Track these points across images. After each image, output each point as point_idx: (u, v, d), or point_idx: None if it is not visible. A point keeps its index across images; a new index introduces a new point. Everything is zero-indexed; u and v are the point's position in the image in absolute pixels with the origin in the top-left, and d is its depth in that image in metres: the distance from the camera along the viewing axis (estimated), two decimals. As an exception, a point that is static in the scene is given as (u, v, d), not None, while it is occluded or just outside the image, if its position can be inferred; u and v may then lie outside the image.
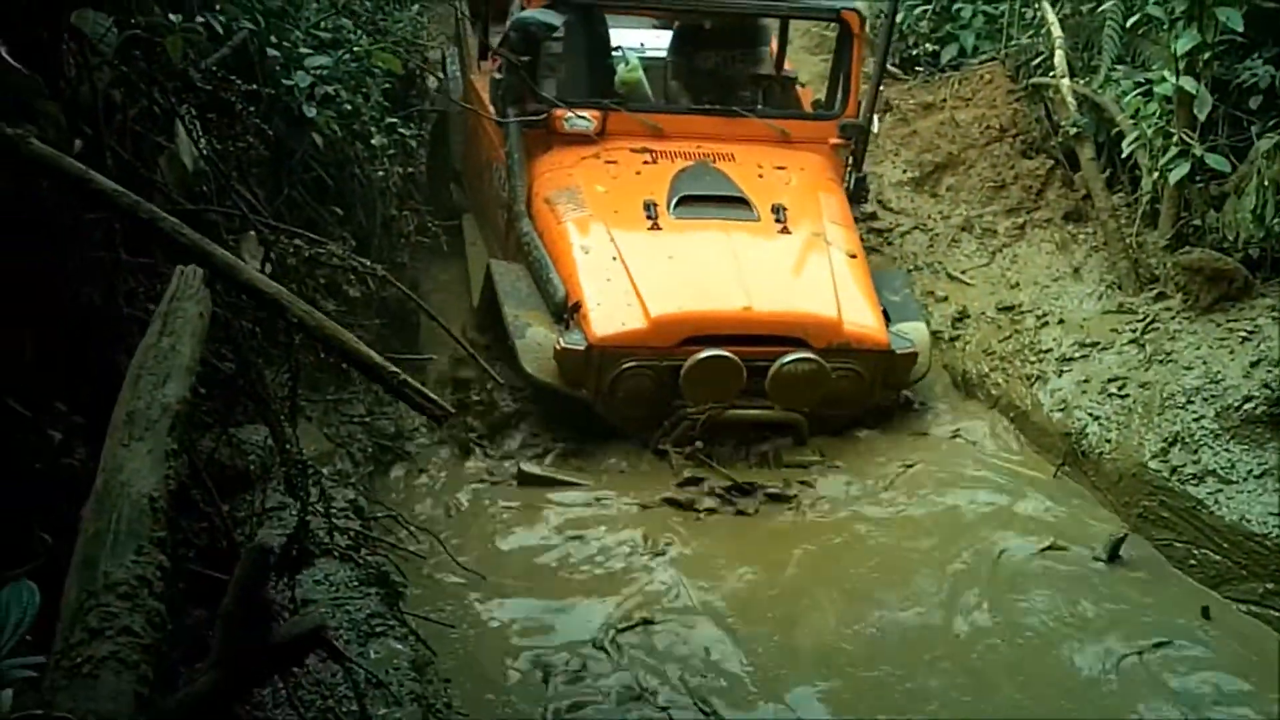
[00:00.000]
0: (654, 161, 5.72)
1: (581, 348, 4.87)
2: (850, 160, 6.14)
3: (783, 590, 4.15)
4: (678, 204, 5.44)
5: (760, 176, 5.75)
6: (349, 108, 5.08)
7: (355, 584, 3.25)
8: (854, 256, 5.49)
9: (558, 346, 4.90)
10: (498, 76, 5.81)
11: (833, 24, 6.41)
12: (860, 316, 5.20)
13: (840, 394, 5.13)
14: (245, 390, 3.26)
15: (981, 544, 4.44)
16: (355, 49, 5.32)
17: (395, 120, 5.51)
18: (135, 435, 2.06)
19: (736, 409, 4.98)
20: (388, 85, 5.84)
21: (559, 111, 5.75)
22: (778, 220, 5.46)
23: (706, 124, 5.98)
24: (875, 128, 6.42)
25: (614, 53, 6.50)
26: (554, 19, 5.60)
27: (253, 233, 3.47)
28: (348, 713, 2.70)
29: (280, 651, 2.08)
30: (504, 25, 5.94)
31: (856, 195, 6.15)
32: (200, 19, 4.02)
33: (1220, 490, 4.43)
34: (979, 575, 4.25)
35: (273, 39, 4.58)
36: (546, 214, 5.48)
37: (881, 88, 6.27)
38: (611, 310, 4.99)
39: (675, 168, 5.68)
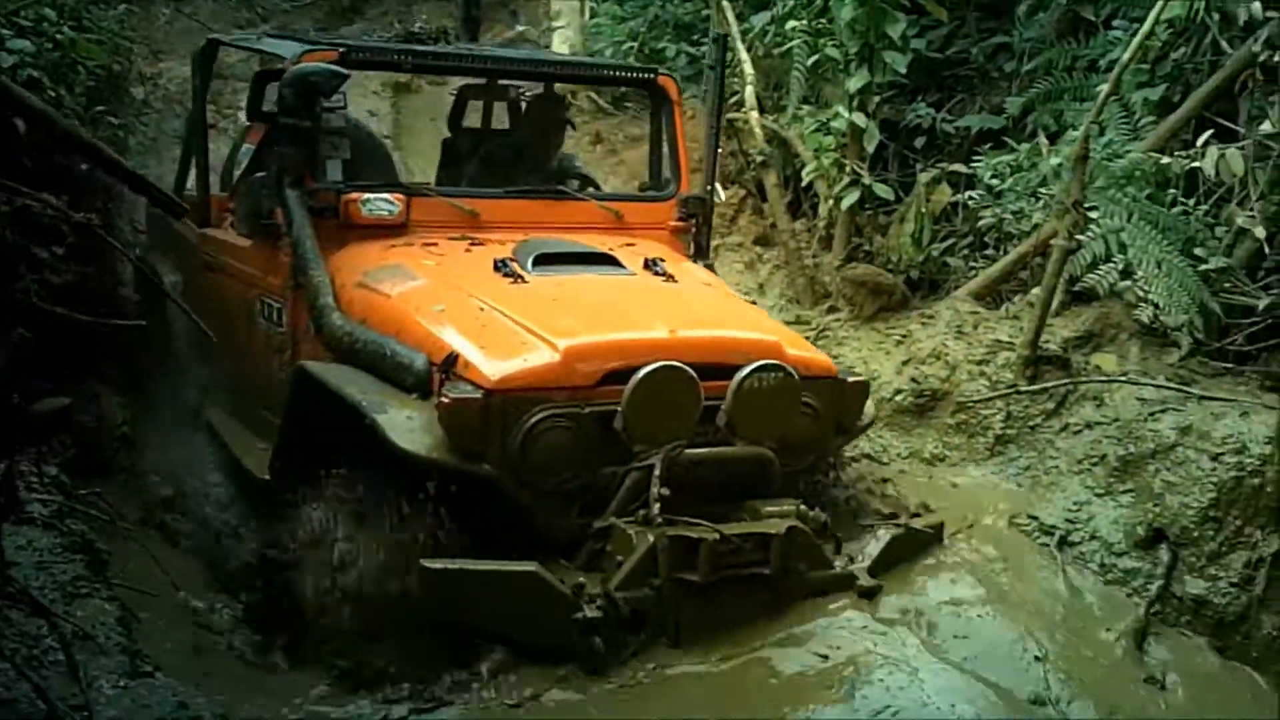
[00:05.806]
0: (481, 244, 4.60)
1: (478, 395, 3.59)
2: (693, 245, 5.07)
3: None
4: (536, 261, 4.34)
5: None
6: (53, 95, 4.96)
7: (60, 550, 3.24)
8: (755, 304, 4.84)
9: (445, 400, 3.58)
10: (259, 176, 4.61)
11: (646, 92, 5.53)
12: (798, 343, 4.32)
13: (798, 436, 4.02)
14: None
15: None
16: (58, 37, 5.20)
17: (103, 108, 5.40)
18: None
19: (695, 449, 3.76)
20: (91, 83, 5.70)
21: (353, 195, 4.51)
22: (657, 274, 4.49)
23: (530, 208, 4.90)
24: (721, 196, 5.63)
25: None
26: (341, 70, 4.39)
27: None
28: (54, 662, 2.71)
29: (32, 422, 2.13)
30: (261, 130, 4.85)
31: None
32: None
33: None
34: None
35: (-34, 21, 4.44)
36: (367, 296, 4.23)
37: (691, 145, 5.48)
38: (505, 349, 3.77)
39: (509, 247, 4.50)
